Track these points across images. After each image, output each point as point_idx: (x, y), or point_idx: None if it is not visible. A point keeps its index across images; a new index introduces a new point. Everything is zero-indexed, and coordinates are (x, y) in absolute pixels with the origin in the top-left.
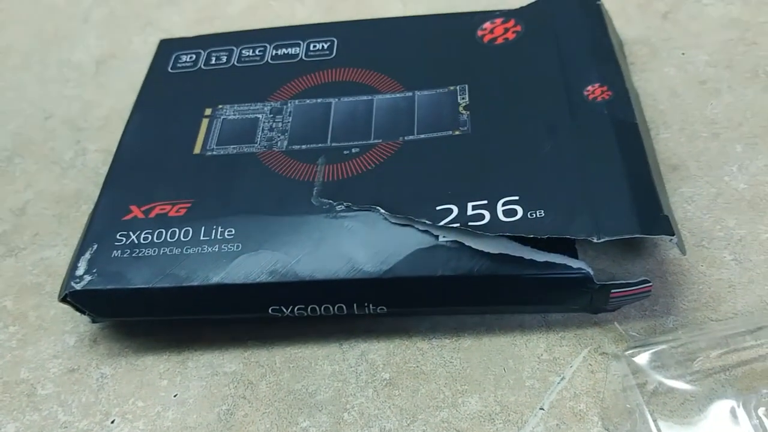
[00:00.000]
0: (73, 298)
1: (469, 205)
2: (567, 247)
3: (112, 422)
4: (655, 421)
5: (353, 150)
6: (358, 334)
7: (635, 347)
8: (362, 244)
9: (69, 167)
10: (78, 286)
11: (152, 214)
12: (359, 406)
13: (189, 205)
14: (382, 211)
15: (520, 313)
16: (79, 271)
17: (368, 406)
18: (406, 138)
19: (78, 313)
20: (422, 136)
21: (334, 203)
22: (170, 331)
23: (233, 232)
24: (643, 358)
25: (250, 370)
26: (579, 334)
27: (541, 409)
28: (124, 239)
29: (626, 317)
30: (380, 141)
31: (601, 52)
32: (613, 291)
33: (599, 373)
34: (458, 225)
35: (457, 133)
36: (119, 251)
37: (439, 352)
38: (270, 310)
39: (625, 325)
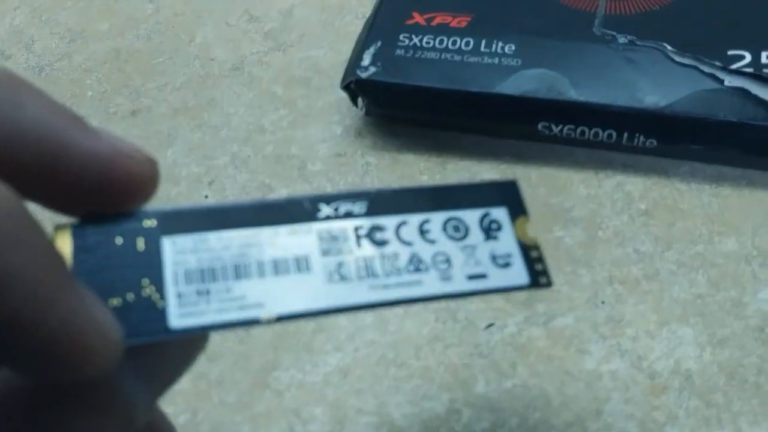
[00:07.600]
0: (357, 85)
1: (764, 54)
2: None
3: None
4: None
5: None
6: (615, 166)
7: None
8: (644, 76)
9: None
10: (363, 75)
11: (434, 23)
12: (614, 227)
13: (469, 18)
14: (669, 48)
15: None
16: (365, 62)
17: (623, 228)
18: None
19: (344, 108)
20: None
21: (617, 35)
22: (431, 136)
23: (513, 48)
24: None
25: None
26: None
27: None
28: (407, 41)
29: None
30: None
31: None
32: None
33: None
34: (751, 71)
35: None
36: (402, 50)
37: (698, 195)
38: (539, 126)
39: None
